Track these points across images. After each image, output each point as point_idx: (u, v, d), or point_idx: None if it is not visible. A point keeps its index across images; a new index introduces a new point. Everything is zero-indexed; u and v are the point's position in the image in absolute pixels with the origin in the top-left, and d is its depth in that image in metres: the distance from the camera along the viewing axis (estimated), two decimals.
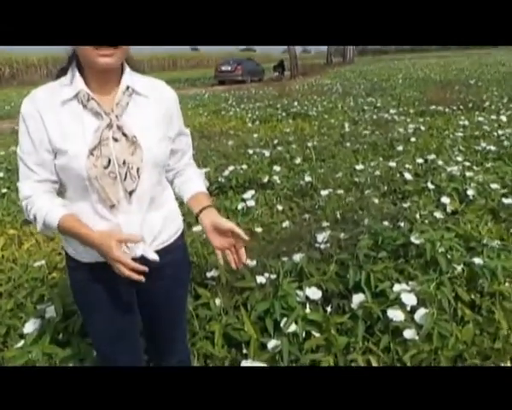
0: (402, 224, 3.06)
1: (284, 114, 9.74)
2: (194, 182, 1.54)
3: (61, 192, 1.39)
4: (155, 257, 1.39)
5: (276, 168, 4.87)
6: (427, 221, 3.17)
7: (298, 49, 32.09)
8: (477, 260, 2.50)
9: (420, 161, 4.87)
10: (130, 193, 1.30)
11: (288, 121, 9.10)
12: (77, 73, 1.27)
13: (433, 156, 4.93)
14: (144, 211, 1.36)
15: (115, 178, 1.27)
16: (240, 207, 3.84)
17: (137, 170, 1.29)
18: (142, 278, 1.29)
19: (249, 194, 3.88)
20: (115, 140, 1.27)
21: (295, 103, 11.14)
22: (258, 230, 3.41)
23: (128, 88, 1.31)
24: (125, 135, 1.27)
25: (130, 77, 1.33)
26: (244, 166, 5.01)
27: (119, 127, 1.27)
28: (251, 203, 3.81)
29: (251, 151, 5.86)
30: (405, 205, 3.59)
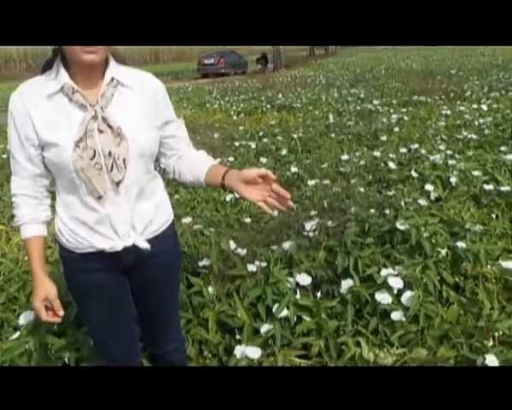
0: (387, 211, 3.14)
1: (269, 106, 9.78)
2: (203, 160, 1.50)
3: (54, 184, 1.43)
4: (147, 246, 1.43)
5: (263, 160, 4.92)
6: (411, 208, 3.25)
7: None
8: (460, 244, 2.58)
9: (403, 150, 4.96)
10: (118, 184, 1.32)
11: (272, 113, 9.14)
12: (61, 67, 1.29)
13: (416, 146, 5.02)
14: (133, 201, 1.38)
15: (101, 169, 1.29)
16: (228, 198, 3.88)
17: (124, 160, 1.31)
18: (58, 320, 1.47)
19: None
20: (100, 131, 1.28)
21: (279, 95, 11.17)
22: (247, 220, 3.46)
23: (113, 80, 1.32)
24: (110, 126, 1.29)
25: (115, 69, 1.34)
26: (231, 159, 5.06)
27: (104, 119, 1.29)
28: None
29: (237, 143, 5.90)
30: (390, 193, 3.67)
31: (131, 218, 1.39)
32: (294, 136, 6.19)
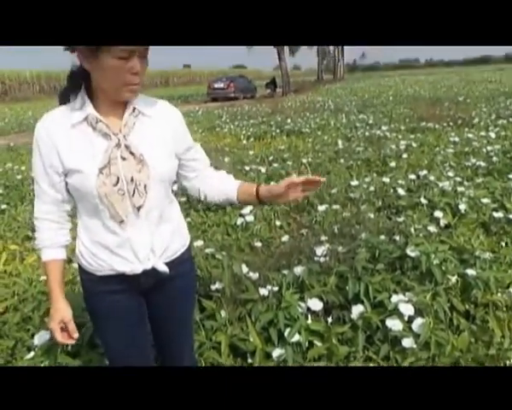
0: (397, 237, 3.17)
1: (278, 130, 9.89)
2: (231, 180, 1.63)
3: (75, 208, 1.49)
4: (165, 269, 1.48)
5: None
6: (421, 235, 3.28)
7: (289, 65, 32.44)
8: (470, 272, 2.61)
9: (412, 176, 4.99)
10: (139, 208, 1.38)
11: (282, 138, 9.24)
12: (86, 98, 1.36)
13: (424, 172, 5.06)
14: (153, 225, 1.44)
15: (123, 195, 1.35)
16: (239, 222, 3.92)
17: (145, 186, 1.37)
18: (72, 341, 1.53)
19: (248, 209, 3.97)
20: (123, 159, 1.35)
21: (288, 120, 11.30)
22: (258, 244, 3.50)
23: (134, 109, 1.39)
24: (132, 154, 1.36)
25: (136, 99, 1.41)
26: None
27: (126, 147, 1.35)
28: (250, 219, 3.89)
29: (247, 168, 5.97)
30: (400, 219, 3.70)
31: (151, 242, 1.45)
32: (304, 161, 6.25)
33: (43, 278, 3.09)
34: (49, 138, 1.34)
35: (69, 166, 1.34)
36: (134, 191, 1.36)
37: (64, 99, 1.40)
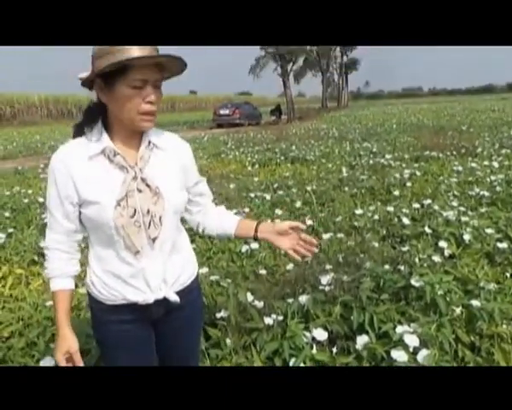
0: (402, 267, 3.18)
1: (283, 158, 10.00)
2: (230, 216, 1.70)
3: (87, 238, 1.52)
4: (176, 299, 1.50)
5: (278, 212, 5.02)
6: (425, 264, 3.29)
7: (293, 92, 32.86)
8: (475, 303, 2.61)
9: (416, 205, 5.02)
10: (154, 239, 1.41)
11: (286, 165, 9.33)
12: (103, 131, 1.40)
13: (429, 201, 5.09)
14: (166, 255, 1.47)
15: (140, 227, 1.39)
16: (244, 249, 3.95)
17: (160, 218, 1.40)
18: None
19: None
20: (139, 191, 1.38)
21: (293, 147, 11.43)
22: (263, 272, 3.52)
23: (149, 143, 1.44)
24: (148, 186, 1.39)
25: (150, 132, 1.46)
26: (246, 210, 5.16)
27: (142, 179, 1.39)
28: (255, 246, 3.92)
29: (252, 195, 6.03)
30: (404, 249, 3.71)
31: (164, 272, 1.47)
32: (308, 188, 6.31)
33: (48, 303, 3.11)
34: (65, 169, 1.37)
35: (86, 197, 1.37)
36: (150, 223, 1.39)
37: (79, 133, 1.44)
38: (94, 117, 1.43)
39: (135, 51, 1.27)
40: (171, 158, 1.48)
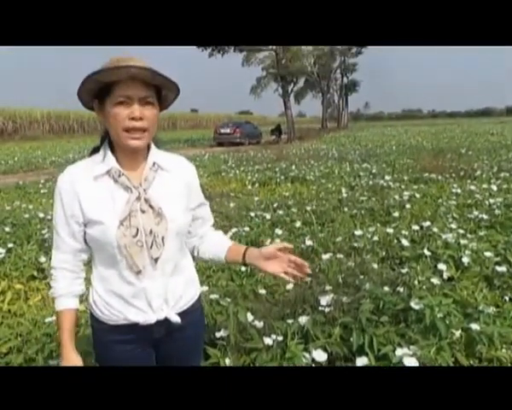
0: (401, 289, 3.19)
1: (283, 177, 10.05)
2: (224, 240, 1.70)
3: (91, 257, 1.53)
4: (178, 319, 1.50)
5: (278, 231, 5.03)
6: (424, 287, 3.30)
7: (294, 112, 33.14)
8: (474, 326, 2.62)
9: (416, 227, 5.04)
10: (156, 260, 1.43)
11: (286, 185, 9.38)
12: (109, 152, 1.43)
13: (428, 223, 5.12)
14: (168, 276, 1.48)
15: (142, 247, 1.40)
16: (243, 268, 3.95)
17: (162, 238, 1.42)
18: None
19: None
20: (143, 211, 1.40)
21: (293, 167, 11.49)
22: (262, 291, 3.52)
23: (154, 164, 1.46)
24: (151, 207, 1.41)
25: (155, 153, 1.48)
26: (246, 229, 5.18)
27: (146, 200, 1.41)
28: None
29: (252, 214, 6.05)
30: (403, 271, 3.72)
31: (165, 292, 1.48)
32: (308, 208, 6.34)
33: (48, 319, 3.10)
34: (71, 189, 1.40)
35: (90, 216, 1.40)
36: (152, 243, 1.41)
37: (93, 154, 1.48)
38: (102, 138, 1.47)
39: (107, 65, 1.31)
40: (175, 179, 1.50)
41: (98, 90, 1.35)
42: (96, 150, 1.49)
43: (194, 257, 1.69)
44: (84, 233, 1.45)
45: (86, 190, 1.40)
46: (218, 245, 1.67)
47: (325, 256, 4.12)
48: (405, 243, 4.47)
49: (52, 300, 1.54)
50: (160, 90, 1.41)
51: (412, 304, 2.80)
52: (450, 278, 3.75)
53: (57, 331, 2.89)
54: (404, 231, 4.93)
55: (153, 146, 1.49)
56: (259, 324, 2.69)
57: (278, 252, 1.56)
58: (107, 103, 1.35)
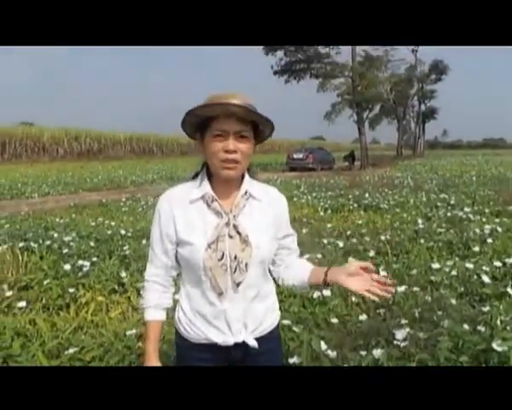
0: (482, 328, 3.04)
1: (356, 205, 9.94)
2: (306, 264, 1.73)
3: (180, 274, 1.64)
4: (255, 344, 1.55)
5: (351, 260, 4.98)
6: (508, 328, 3.13)
7: (368, 139, 32.73)
8: None
9: (498, 263, 4.79)
10: (238, 284, 1.50)
11: (359, 213, 9.26)
12: (205, 179, 1.54)
13: (511, 260, 4.85)
14: (249, 301, 1.54)
15: (226, 270, 1.48)
16: (315, 295, 3.94)
17: (246, 265, 1.49)
18: None
19: None
20: (230, 237, 1.49)
21: (366, 195, 11.32)
22: (334, 320, 3.49)
23: (246, 193, 1.55)
24: (239, 233, 1.49)
25: (248, 183, 1.57)
26: (319, 256, 5.16)
27: (234, 226, 1.49)
28: (327, 293, 3.90)
29: (325, 241, 6.03)
30: (485, 309, 3.55)
31: (245, 316, 1.54)
32: (382, 238, 6.22)
33: (128, 332, 3.27)
34: (169, 210, 1.53)
35: (182, 237, 1.51)
36: (236, 268, 1.48)
37: (194, 179, 1.60)
38: (202, 166, 1.59)
39: (205, 102, 1.44)
40: (265, 209, 1.58)
41: (200, 124, 1.48)
42: (196, 176, 1.60)
43: (278, 284, 1.74)
44: (176, 252, 1.56)
45: (182, 212, 1.52)
46: (302, 270, 1.69)
47: (400, 288, 4.02)
48: (486, 279, 4.26)
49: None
50: (257, 125, 1.50)
51: (494, 345, 2.66)
52: None
53: (140, 341, 3.07)
54: (484, 267, 4.69)
55: (247, 176, 1.58)
56: (332, 353, 2.68)
57: (361, 270, 1.55)
58: (207, 136, 1.47)
